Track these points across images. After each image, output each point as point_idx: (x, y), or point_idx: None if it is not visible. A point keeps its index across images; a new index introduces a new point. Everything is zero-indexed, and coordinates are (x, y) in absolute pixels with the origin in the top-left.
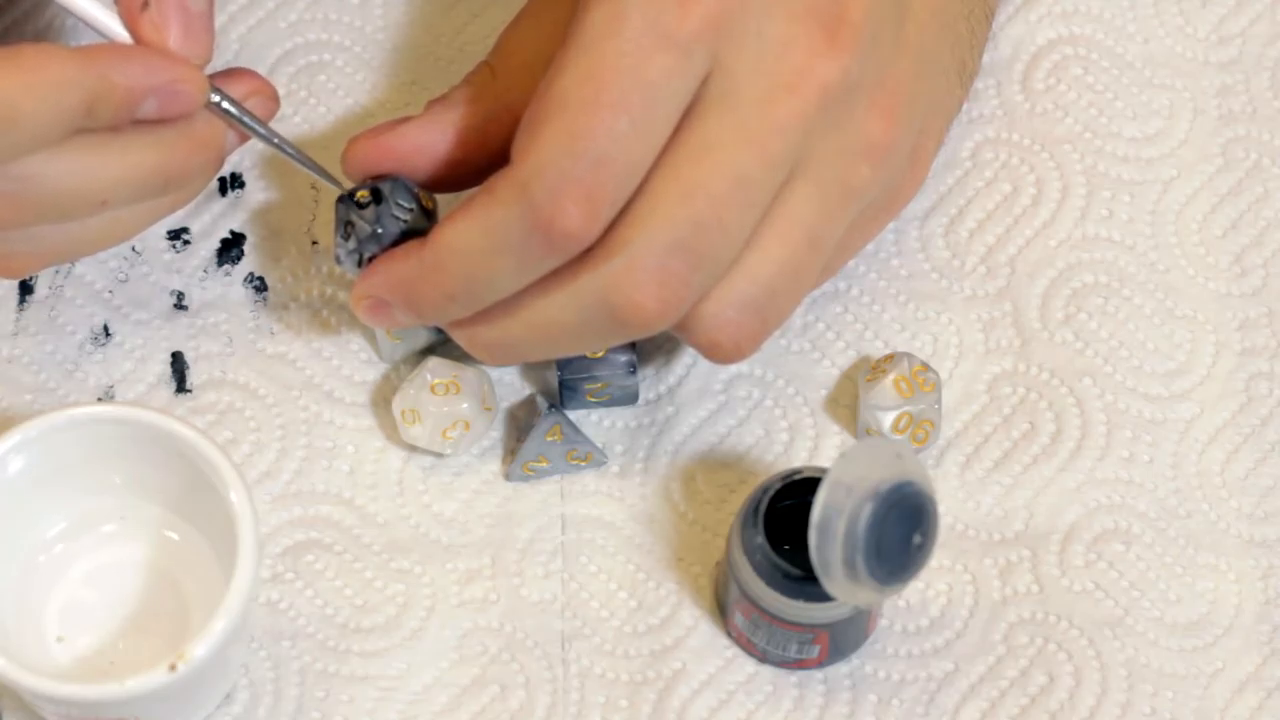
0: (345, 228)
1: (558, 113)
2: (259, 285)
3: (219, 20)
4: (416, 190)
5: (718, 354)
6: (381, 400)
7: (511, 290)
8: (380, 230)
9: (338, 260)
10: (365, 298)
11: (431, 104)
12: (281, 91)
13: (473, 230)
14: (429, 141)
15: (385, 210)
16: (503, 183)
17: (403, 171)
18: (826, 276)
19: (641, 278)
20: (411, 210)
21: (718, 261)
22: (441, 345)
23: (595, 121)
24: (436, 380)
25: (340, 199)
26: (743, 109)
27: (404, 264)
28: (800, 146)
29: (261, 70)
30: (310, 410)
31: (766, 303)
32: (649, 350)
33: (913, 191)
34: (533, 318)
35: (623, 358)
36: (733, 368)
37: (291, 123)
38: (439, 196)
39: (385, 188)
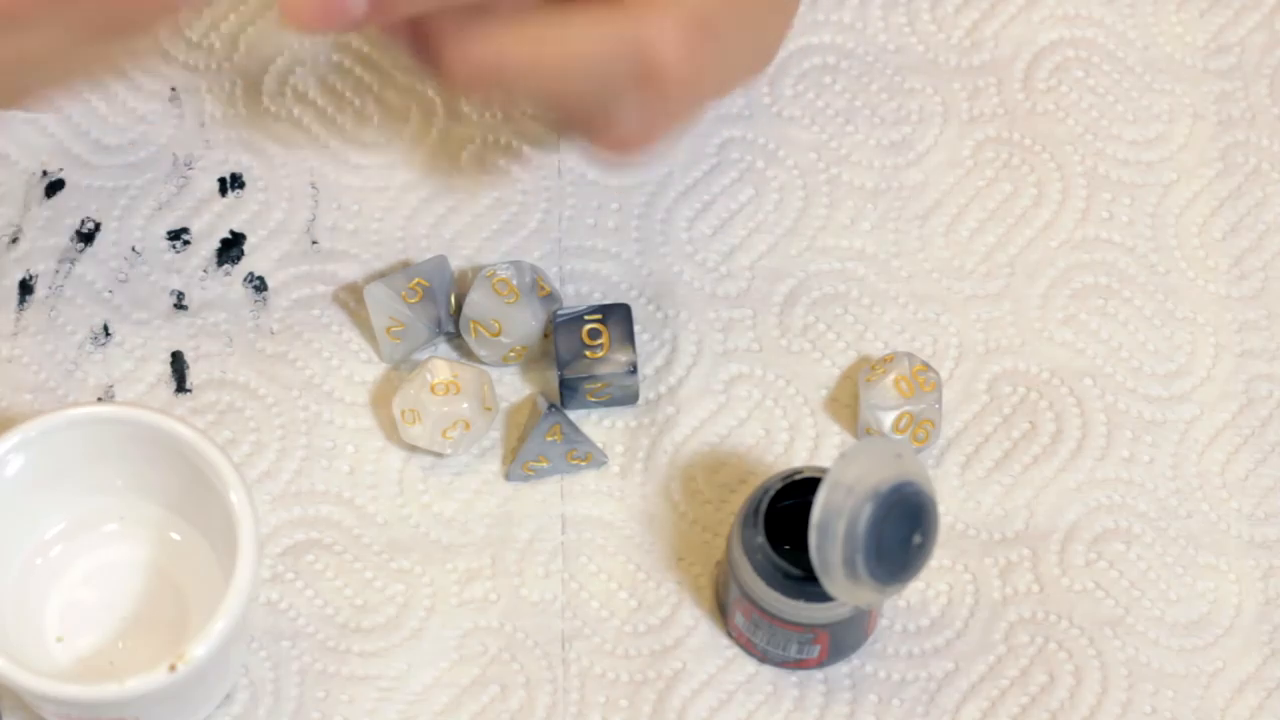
0: None
1: None
2: (259, 285)
3: (225, 22)
4: None
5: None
6: (381, 400)
7: None
8: None
9: None
10: None
11: None
12: (281, 91)
13: None
14: None
15: None
16: None
17: None
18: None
19: (671, 33)
20: None
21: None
22: (442, 344)
23: None
24: (436, 380)
25: None
26: None
27: None
28: None
29: (265, 71)
30: (310, 410)
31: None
32: (649, 350)
33: None
34: (545, 34)
35: (623, 358)
36: (733, 367)
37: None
38: None
39: None
